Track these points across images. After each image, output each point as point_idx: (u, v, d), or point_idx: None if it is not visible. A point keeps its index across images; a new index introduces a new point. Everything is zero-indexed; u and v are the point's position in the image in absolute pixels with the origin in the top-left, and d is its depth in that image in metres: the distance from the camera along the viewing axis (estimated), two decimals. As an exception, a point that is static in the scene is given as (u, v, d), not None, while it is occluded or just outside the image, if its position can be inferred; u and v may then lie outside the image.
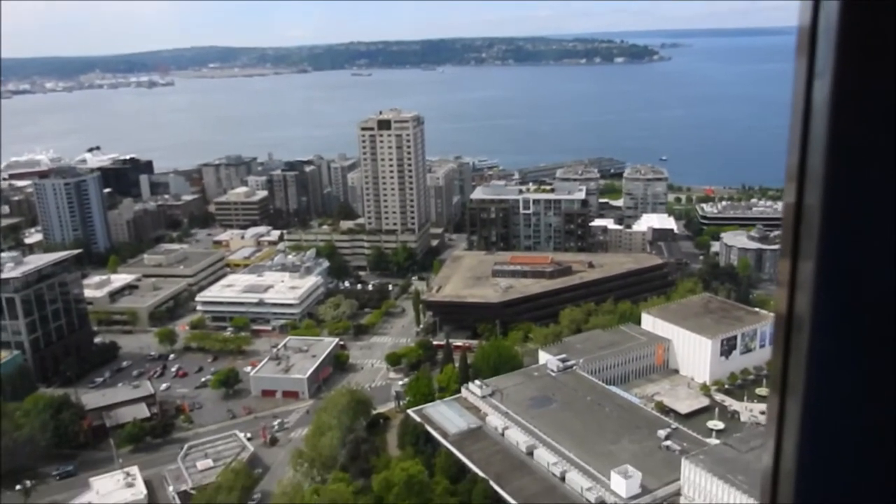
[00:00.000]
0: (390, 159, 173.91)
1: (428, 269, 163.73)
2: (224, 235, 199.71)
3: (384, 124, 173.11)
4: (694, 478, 76.64)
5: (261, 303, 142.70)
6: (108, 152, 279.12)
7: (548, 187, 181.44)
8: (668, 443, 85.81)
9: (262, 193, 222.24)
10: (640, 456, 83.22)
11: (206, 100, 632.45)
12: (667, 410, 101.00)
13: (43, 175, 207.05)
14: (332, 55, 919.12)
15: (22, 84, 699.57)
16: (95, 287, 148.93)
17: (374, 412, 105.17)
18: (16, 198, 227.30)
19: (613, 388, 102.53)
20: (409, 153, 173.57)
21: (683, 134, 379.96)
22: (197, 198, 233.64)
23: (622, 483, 77.25)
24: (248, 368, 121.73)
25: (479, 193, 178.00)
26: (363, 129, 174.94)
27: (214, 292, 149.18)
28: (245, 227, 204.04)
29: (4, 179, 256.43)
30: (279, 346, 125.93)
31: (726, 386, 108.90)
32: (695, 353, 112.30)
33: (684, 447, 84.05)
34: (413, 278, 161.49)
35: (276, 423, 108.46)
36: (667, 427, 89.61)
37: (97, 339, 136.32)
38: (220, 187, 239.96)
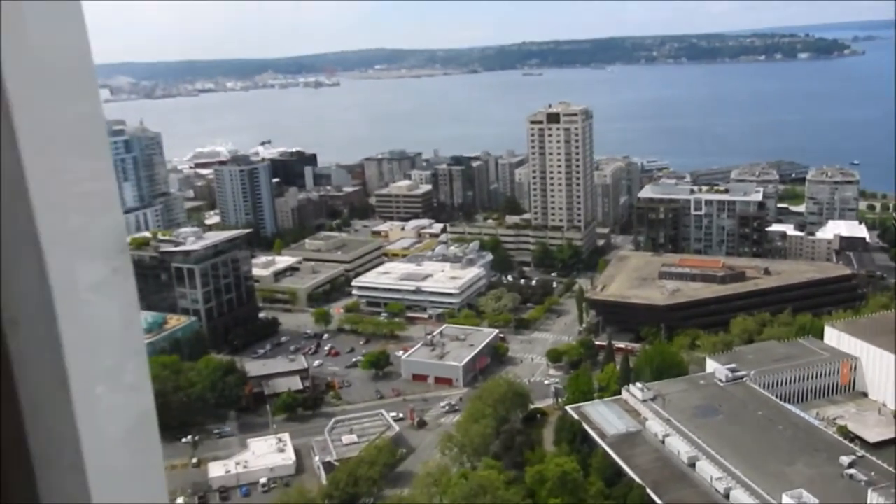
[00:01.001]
0: (558, 153, 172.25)
1: (593, 268, 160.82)
2: (383, 226, 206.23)
3: (553, 118, 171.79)
4: (882, 511, 69.67)
5: (418, 290, 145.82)
6: (278, 146, 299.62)
7: (721, 188, 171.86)
8: (853, 471, 77.47)
9: (426, 187, 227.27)
10: (817, 482, 76.51)
11: (371, 99, 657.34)
12: (851, 437, 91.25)
13: (222, 163, 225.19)
14: (504, 56, 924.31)
15: (207, 84, 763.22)
16: (262, 266, 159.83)
17: (532, 407, 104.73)
18: (199, 183, 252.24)
19: (789, 406, 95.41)
20: (576, 147, 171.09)
21: (878, 136, 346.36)
22: (358, 189, 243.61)
23: (796, 508, 71.69)
24: (401, 353, 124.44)
25: (647, 192, 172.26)
26: (532, 122, 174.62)
27: (371, 278, 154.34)
28: (406, 220, 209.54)
29: (190, 167, 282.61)
30: (434, 334, 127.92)
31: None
32: (889, 376, 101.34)
33: (871, 478, 76.22)
34: (577, 276, 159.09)
35: (443, 404, 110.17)
36: (851, 454, 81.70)
37: (261, 314, 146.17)
38: (382, 181, 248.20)
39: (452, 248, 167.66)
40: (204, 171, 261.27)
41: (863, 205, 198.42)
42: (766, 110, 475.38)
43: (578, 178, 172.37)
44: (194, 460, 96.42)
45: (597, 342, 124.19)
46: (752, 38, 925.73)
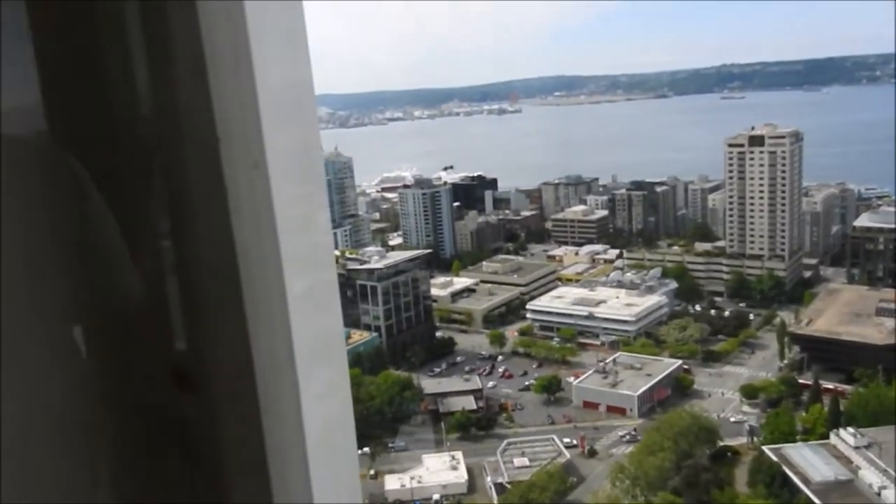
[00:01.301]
0: (760, 178, 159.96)
1: (797, 301, 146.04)
2: (558, 251, 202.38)
3: (756, 140, 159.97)
4: None
5: (591, 316, 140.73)
6: (460, 171, 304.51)
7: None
8: None
9: (602, 213, 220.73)
10: None
11: (550, 125, 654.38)
12: None
13: (406, 187, 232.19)
14: (698, 79, 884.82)
15: (396, 113, 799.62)
16: (440, 287, 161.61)
17: (721, 444, 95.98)
18: (384, 206, 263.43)
19: None
20: (783, 172, 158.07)
21: None
22: (534, 214, 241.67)
23: None
24: (572, 378, 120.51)
25: (864, 221, 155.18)
26: (731, 145, 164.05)
27: (544, 302, 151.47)
28: (580, 245, 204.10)
29: (377, 191, 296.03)
30: (608, 361, 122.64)
31: None
32: None
33: None
34: (778, 309, 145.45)
35: (621, 433, 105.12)
36: None
37: (438, 334, 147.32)
38: (559, 206, 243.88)
39: (629, 274, 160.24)
40: (389, 195, 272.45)
41: None
42: None
43: (783, 204, 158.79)
44: (371, 472, 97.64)
45: (800, 381, 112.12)
46: None
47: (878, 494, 76.22)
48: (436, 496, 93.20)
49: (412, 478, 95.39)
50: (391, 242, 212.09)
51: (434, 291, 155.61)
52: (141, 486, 1.53)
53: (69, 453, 1.37)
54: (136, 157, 1.43)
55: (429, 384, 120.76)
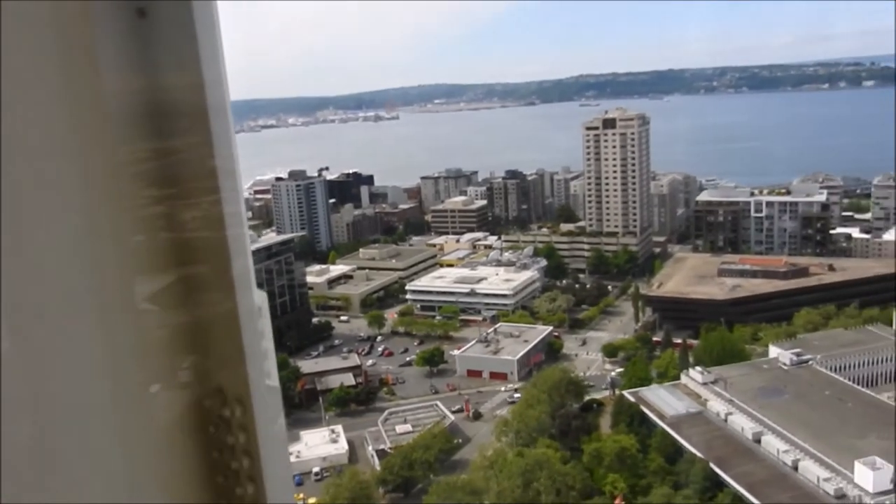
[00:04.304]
0: (614, 158, 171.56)
1: (650, 274, 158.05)
2: (438, 240, 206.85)
3: (609, 123, 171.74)
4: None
5: (472, 293, 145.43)
6: (335, 173, 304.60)
7: (783, 189, 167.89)
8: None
9: (481, 202, 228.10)
10: (890, 453, 73.01)
11: (428, 131, 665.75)
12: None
13: (279, 179, 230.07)
14: (561, 88, 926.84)
15: (269, 120, 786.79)
16: (316, 274, 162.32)
17: (588, 398, 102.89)
18: (257, 204, 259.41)
19: (858, 387, 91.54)
20: (632, 152, 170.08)
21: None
22: (413, 206, 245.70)
23: (868, 475, 68.25)
24: (455, 352, 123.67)
25: (706, 196, 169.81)
26: (588, 128, 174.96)
27: (425, 282, 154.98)
28: (461, 234, 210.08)
29: (251, 194, 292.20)
30: (489, 332, 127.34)
31: None
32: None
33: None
34: (633, 281, 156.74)
35: (502, 396, 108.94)
36: (928, 427, 77.86)
37: (314, 320, 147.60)
38: (438, 199, 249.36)
39: (506, 254, 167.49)
40: (264, 196, 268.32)
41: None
42: (829, 133, 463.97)
43: (634, 183, 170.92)
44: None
45: (654, 339, 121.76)
46: (816, 67, 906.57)
47: (725, 421, 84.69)
48: (315, 468, 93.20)
49: (290, 453, 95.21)
50: (264, 236, 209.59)
51: (310, 279, 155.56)
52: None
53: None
54: None
55: (306, 364, 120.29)
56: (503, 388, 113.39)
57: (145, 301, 1.56)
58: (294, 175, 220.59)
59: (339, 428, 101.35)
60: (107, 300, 1.44)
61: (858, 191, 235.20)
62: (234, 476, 1.73)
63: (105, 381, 1.41)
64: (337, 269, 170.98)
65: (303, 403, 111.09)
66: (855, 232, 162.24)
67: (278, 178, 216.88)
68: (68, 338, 1.36)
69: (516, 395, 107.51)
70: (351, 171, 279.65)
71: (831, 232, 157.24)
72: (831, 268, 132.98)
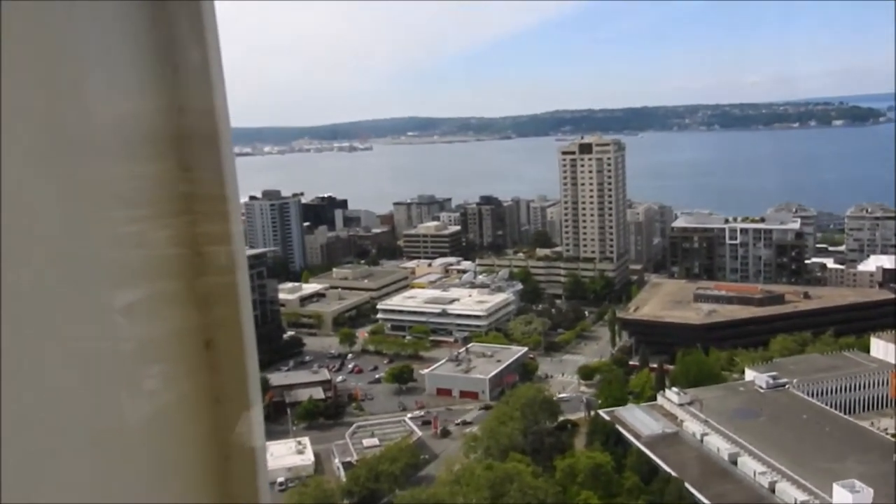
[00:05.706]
0: (591, 183, 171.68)
1: (626, 300, 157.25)
2: (410, 264, 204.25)
3: (585, 148, 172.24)
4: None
5: (444, 313, 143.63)
6: (310, 198, 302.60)
7: (757, 217, 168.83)
8: (908, 467, 73.22)
9: (455, 228, 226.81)
10: (869, 477, 71.52)
11: (401, 161, 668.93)
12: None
13: (253, 198, 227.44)
14: (537, 123, 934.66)
15: (245, 148, 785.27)
16: (288, 292, 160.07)
17: (562, 418, 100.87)
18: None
19: (836, 412, 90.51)
20: (609, 177, 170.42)
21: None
22: (386, 231, 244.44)
23: (848, 497, 66.71)
24: (425, 371, 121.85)
25: (681, 222, 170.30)
26: (564, 153, 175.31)
27: (396, 301, 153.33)
28: (433, 259, 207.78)
29: None
30: (461, 351, 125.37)
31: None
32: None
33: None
34: (609, 306, 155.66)
35: (468, 416, 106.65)
36: (906, 452, 76.77)
37: (286, 336, 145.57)
38: (411, 225, 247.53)
39: (480, 276, 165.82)
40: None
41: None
42: (800, 170, 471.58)
43: (611, 209, 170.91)
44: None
45: (630, 362, 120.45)
46: (786, 106, 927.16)
47: (701, 441, 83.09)
48: (280, 479, 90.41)
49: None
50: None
51: (283, 296, 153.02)
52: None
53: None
54: None
55: (275, 377, 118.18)
56: (473, 408, 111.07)
57: (153, 307, 1.65)
58: (268, 195, 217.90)
59: (305, 440, 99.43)
60: (117, 304, 1.52)
61: (832, 226, 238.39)
62: (227, 476, 1.80)
63: (110, 381, 1.46)
64: (310, 287, 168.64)
65: (270, 415, 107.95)
66: (830, 262, 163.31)
67: (252, 197, 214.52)
68: (83, 341, 1.41)
69: (486, 414, 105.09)
70: (325, 195, 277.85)
71: (806, 262, 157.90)
72: (807, 295, 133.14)
